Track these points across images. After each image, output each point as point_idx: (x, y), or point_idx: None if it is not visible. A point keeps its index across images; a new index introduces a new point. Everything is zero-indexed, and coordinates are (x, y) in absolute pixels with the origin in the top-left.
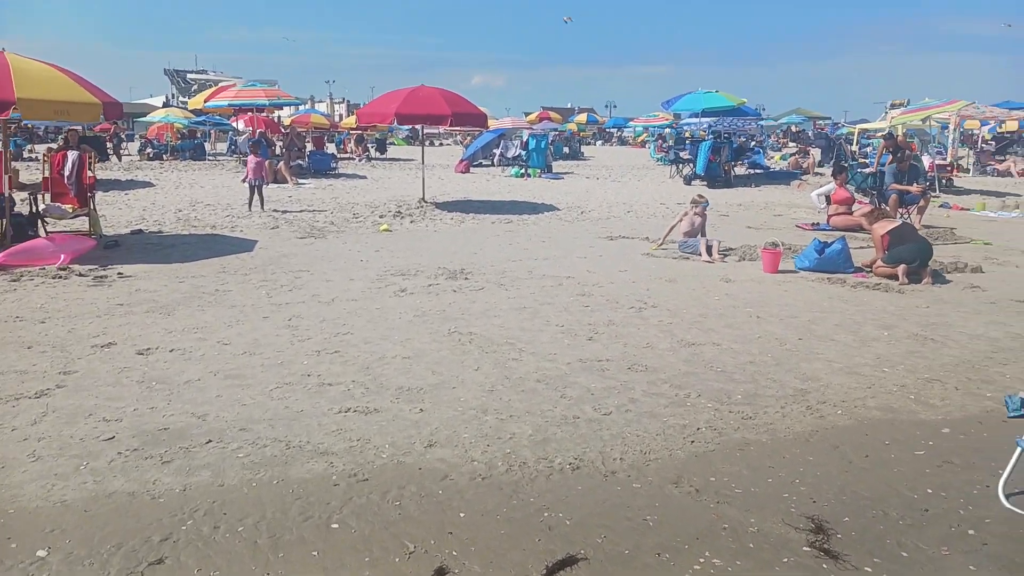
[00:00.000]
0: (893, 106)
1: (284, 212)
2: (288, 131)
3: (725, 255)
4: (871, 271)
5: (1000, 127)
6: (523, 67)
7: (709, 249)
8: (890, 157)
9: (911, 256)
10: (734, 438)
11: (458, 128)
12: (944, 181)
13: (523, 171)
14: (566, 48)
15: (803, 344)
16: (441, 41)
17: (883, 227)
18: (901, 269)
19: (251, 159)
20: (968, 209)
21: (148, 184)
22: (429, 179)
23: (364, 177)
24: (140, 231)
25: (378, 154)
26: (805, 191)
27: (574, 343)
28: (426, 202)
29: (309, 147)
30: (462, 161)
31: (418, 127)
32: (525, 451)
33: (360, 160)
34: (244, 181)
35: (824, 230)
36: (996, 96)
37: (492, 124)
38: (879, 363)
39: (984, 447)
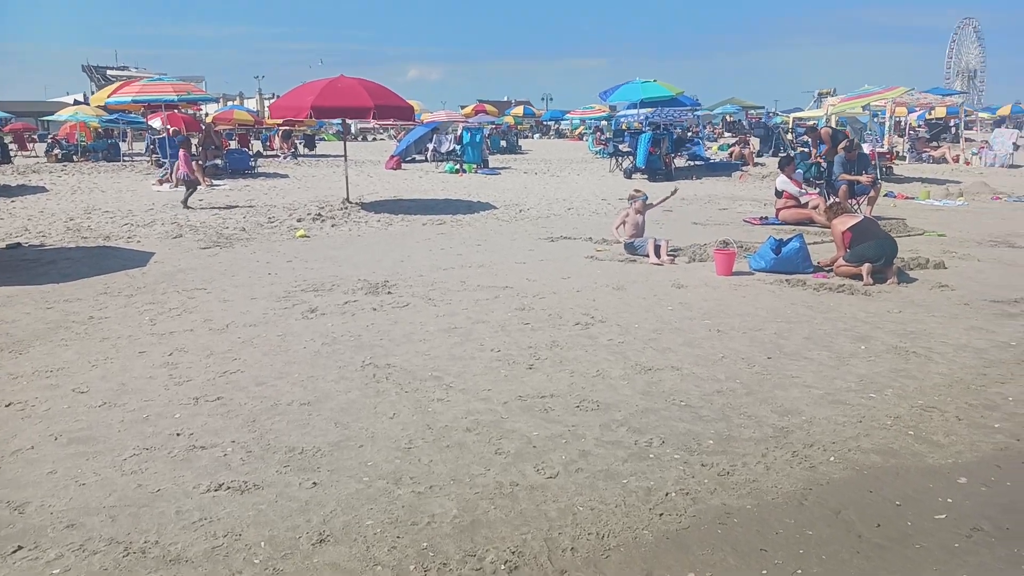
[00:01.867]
0: (821, 95)
1: (188, 220)
2: (204, 128)
3: (674, 256)
4: (831, 271)
5: (929, 114)
6: (459, 60)
7: (657, 250)
8: (826, 146)
9: (875, 254)
10: (712, 506)
11: (389, 122)
12: (884, 169)
13: (458, 167)
14: (502, 42)
15: (774, 365)
16: (375, 35)
17: (844, 223)
18: (866, 268)
19: (182, 154)
20: (913, 198)
21: (40, 189)
22: (357, 177)
23: (286, 176)
24: (18, 245)
25: (306, 151)
26: (747, 182)
27: (512, 373)
28: (351, 202)
29: (234, 145)
30: (393, 157)
31: (348, 121)
32: (447, 544)
33: (285, 158)
34: (171, 181)
35: (773, 224)
36: (917, 85)
37: (426, 118)
38: (863, 387)
39: (1014, 504)
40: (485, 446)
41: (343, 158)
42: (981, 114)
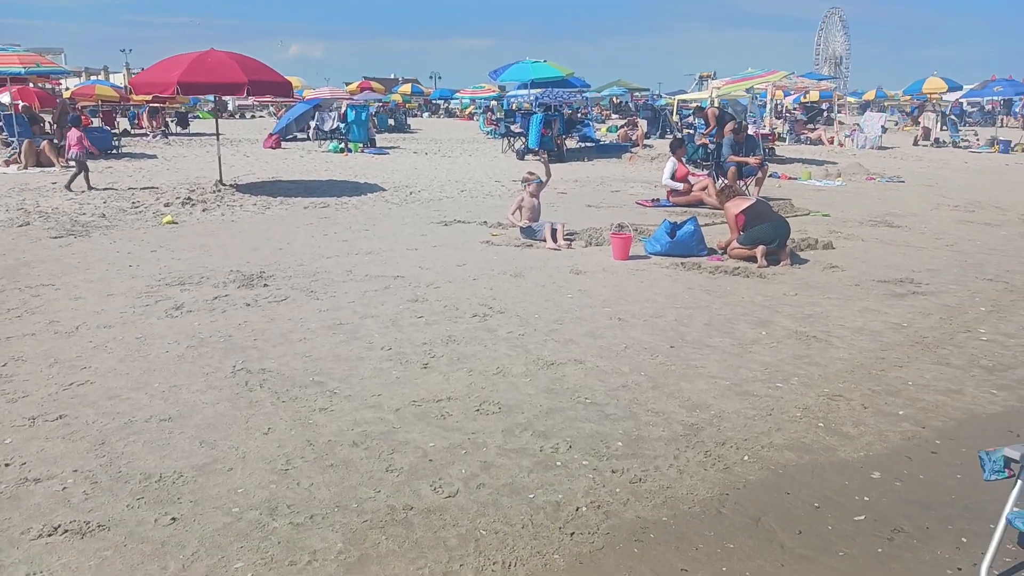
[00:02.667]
0: (702, 78)
1: (37, 205)
2: (59, 104)
3: (571, 240)
4: (726, 253)
5: (804, 98)
6: (343, 37)
7: (554, 234)
8: (711, 126)
9: (769, 236)
10: (626, 520)
11: (268, 99)
12: (767, 150)
13: (343, 146)
14: (388, 19)
15: (677, 355)
16: (252, 8)
17: (737, 206)
18: (759, 251)
19: (72, 133)
20: (795, 178)
21: None
22: (232, 157)
23: (154, 157)
24: None
25: (179, 129)
26: (637, 164)
27: (405, 375)
28: (224, 185)
29: (97, 123)
30: (272, 135)
31: (224, 98)
32: None
33: (154, 137)
34: (20, 162)
35: (665, 206)
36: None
37: (308, 94)
38: (769, 376)
39: (929, 500)
40: (375, 463)
41: (222, 137)
42: (849, 98)
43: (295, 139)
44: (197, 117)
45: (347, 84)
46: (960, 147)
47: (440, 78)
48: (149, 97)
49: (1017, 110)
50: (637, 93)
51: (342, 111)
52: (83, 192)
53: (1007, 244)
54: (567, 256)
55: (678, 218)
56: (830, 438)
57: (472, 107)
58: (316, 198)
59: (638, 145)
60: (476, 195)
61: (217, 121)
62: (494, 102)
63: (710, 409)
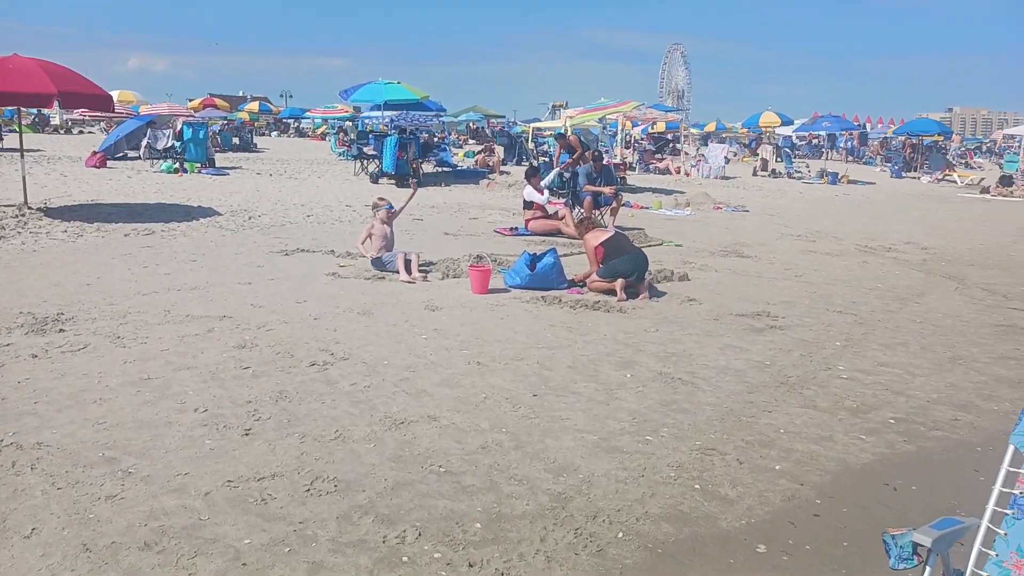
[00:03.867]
0: (555, 107)
1: None
2: None
3: (427, 272)
4: (585, 286)
5: (651, 128)
6: (188, 51)
7: (408, 265)
8: (569, 158)
9: (628, 269)
10: None
11: (98, 113)
12: (619, 180)
13: (177, 166)
14: (237, 34)
15: (541, 404)
16: (86, 19)
17: (596, 238)
18: (619, 284)
19: None
20: (647, 208)
21: None
22: (46, 176)
23: None
24: None
25: None
26: (494, 190)
27: (222, 444)
28: (30, 208)
29: None
30: (96, 153)
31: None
32: None
33: None
34: None
35: (523, 235)
36: (637, 101)
37: (144, 110)
38: (638, 427)
39: None
40: (170, 572)
41: (41, 153)
42: (692, 130)
43: (126, 157)
44: (13, 131)
45: (190, 100)
46: (794, 178)
47: (291, 97)
48: None
49: (841, 144)
50: (493, 119)
51: (177, 128)
52: None
53: (848, 274)
54: (422, 290)
55: (536, 248)
56: (708, 504)
57: (324, 127)
58: (140, 224)
59: (495, 171)
60: (324, 220)
61: (20, 134)
62: (347, 123)
63: (578, 472)
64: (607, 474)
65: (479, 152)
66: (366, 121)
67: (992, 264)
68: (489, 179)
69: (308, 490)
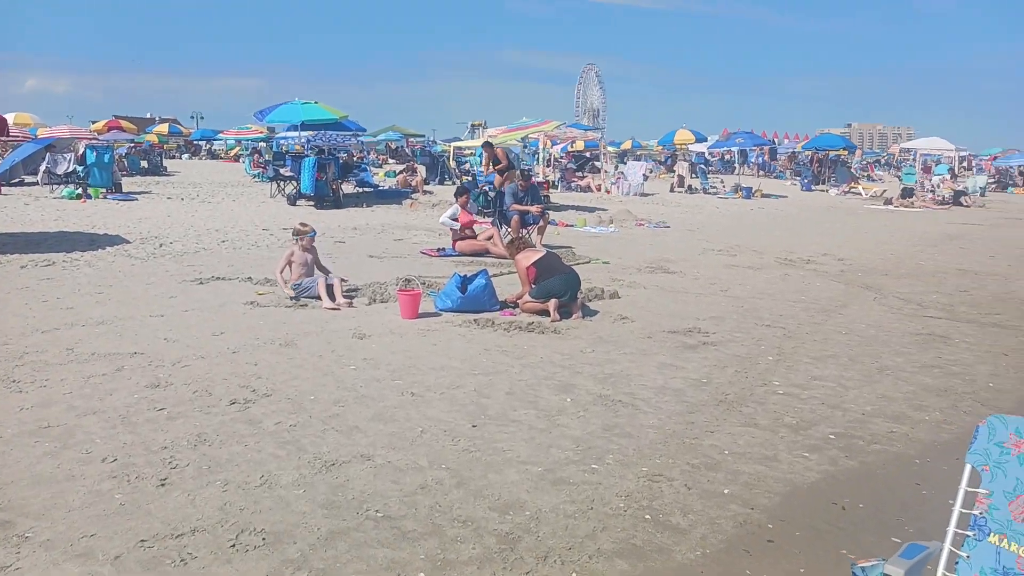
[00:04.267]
0: (474, 126)
1: None
2: None
3: (352, 298)
4: (517, 307)
5: (571, 147)
6: (91, 72)
7: (331, 290)
8: (497, 177)
9: (561, 289)
10: None
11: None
12: (544, 198)
13: (80, 191)
14: (145, 54)
15: (481, 435)
16: None
17: (528, 258)
18: (553, 304)
19: None
20: (572, 225)
21: None
22: None
23: None
24: None
25: None
26: (418, 210)
27: (134, 498)
28: None
29: None
30: None
31: None
32: None
33: None
34: None
35: (451, 255)
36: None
37: (43, 133)
38: (583, 455)
39: None
40: None
41: None
42: (609, 148)
43: (22, 183)
44: None
45: (93, 123)
46: (710, 193)
47: (203, 118)
48: None
49: (752, 160)
50: (413, 139)
51: (80, 151)
52: None
53: (771, 287)
54: (348, 317)
55: (466, 269)
56: (661, 535)
57: (238, 148)
58: (39, 254)
59: (418, 191)
60: (240, 246)
61: None
62: (262, 144)
63: (525, 509)
64: (555, 508)
65: (400, 172)
66: (282, 142)
67: (904, 273)
68: (412, 199)
69: (233, 545)
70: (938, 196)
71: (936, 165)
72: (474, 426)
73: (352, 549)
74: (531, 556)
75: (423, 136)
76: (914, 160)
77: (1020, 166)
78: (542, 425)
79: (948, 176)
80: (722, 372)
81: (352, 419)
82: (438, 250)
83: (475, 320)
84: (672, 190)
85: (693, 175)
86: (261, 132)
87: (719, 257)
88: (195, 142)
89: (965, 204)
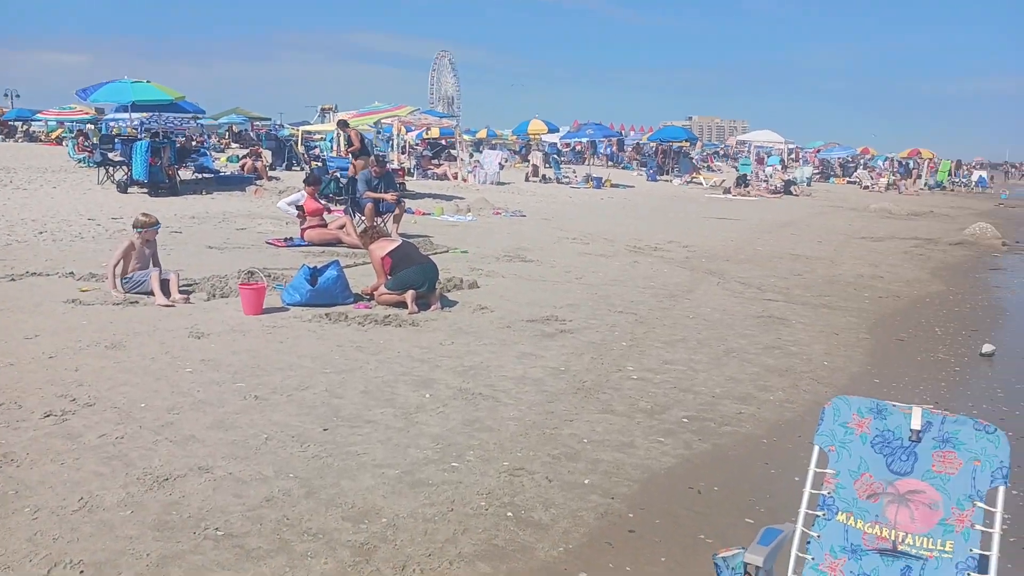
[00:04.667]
0: (324, 110)
1: None
2: None
3: (188, 293)
4: (372, 299)
5: (426, 133)
6: None
7: (165, 285)
8: (353, 162)
9: (418, 279)
10: None
11: None
12: (399, 185)
13: None
14: None
15: (333, 440)
16: None
17: (382, 248)
18: (410, 296)
19: None
20: (429, 213)
21: None
22: None
23: None
24: None
25: None
26: (264, 197)
27: None
28: None
29: None
30: None
31: None
32: None
33: None
34: None
35: (299, 246)
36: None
37: None
38: (442, 453)
39: None
40: None
41: None
42: (465, 136)
43: None
44: None
45: None
46: (563, 183)
47: (18, 96)
48: None
49: (601, 150)
50: (258, 122)
51: None
52: None
53: (623, 274)
54: (184, 314)
55: (316, 260)
56: (523, 533)
57: (61, 130)
58: None
59: (263, 177)
60: (61, 238)
61: None
62: (89, 125)
63: (381, 516)
64: (413, 513)
65: (244, 157)
66: (111, 124)
67: (744, 259)
68: (257, 185)
69: None
70: (771, 185)
71: (768, 157)
72: (325, 430)
73: (188, 574)
74: (388, 567)
75: (269, 120)
76: (748, 152)
77: (840, 158)
78: (399, 424)
79: (779, 167)
80: (579, 359)
81: (188, 428)
82: (285, 240)
83: (326, 314)
84: (527, 179)
85: (547, 165)
86: (88, 113)
87: (573, 245)
88: (10, 123)
89: (795, 193)
